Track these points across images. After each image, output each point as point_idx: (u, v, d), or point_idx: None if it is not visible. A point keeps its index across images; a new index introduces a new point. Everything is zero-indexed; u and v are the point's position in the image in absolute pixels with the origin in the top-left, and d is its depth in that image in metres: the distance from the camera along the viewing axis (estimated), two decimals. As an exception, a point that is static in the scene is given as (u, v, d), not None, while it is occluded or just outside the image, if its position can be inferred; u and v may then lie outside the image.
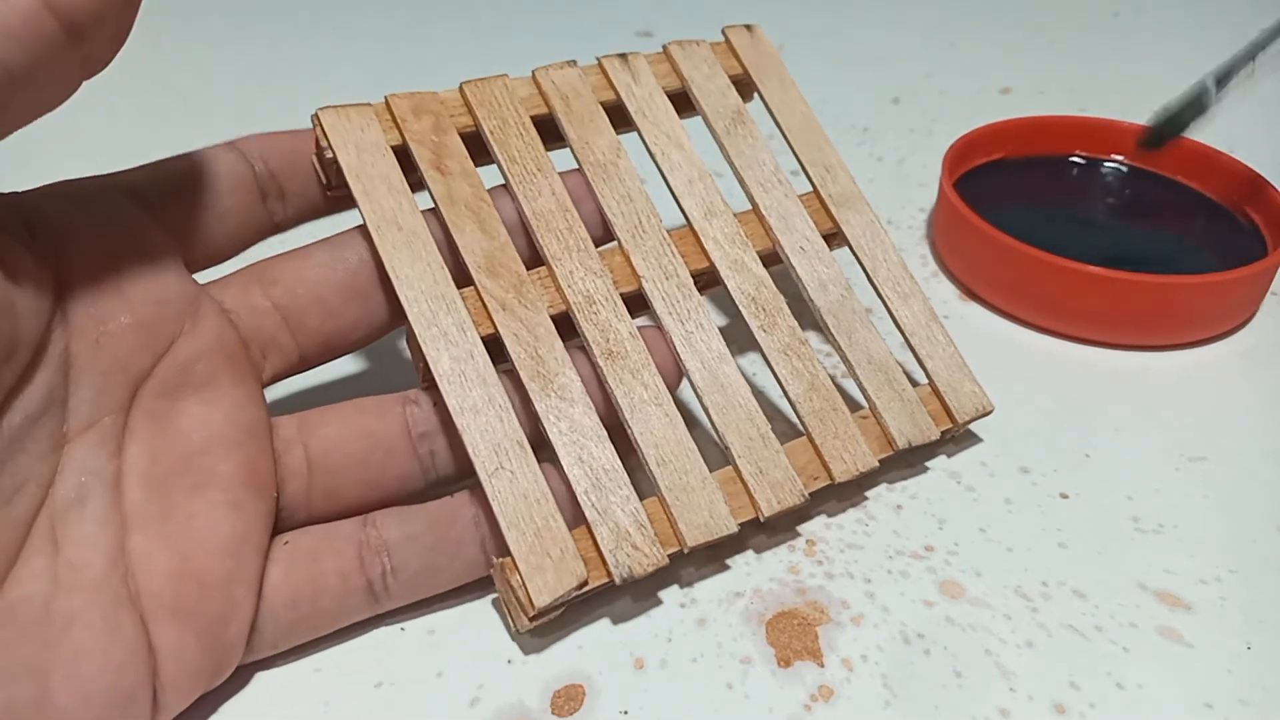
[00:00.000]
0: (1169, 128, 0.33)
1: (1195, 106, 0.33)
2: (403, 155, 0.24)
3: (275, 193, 0.24)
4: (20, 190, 0.21)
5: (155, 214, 0.22)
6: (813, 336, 0.26)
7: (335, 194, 0.25)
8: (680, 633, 0.23)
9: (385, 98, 0.25)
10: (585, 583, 0.21)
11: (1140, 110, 0.46)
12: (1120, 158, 0.38)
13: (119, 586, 0.19)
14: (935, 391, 0.27)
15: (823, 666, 0.22)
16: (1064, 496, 0.27)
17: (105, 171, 0.22)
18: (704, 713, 0.21)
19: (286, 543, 0.22)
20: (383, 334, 0.25)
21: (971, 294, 0.34)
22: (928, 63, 0.52)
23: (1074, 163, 0.39)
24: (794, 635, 0.23)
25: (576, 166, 0.26)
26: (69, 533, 0.19)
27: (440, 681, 0.22)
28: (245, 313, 0.23)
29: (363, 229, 0.24)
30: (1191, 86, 0.33)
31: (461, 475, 0.24)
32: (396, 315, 0.24)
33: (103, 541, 0.19)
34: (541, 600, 0.21)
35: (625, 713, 0.21)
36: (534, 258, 0.25)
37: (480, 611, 0.23)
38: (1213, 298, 0.31)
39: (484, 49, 0.52)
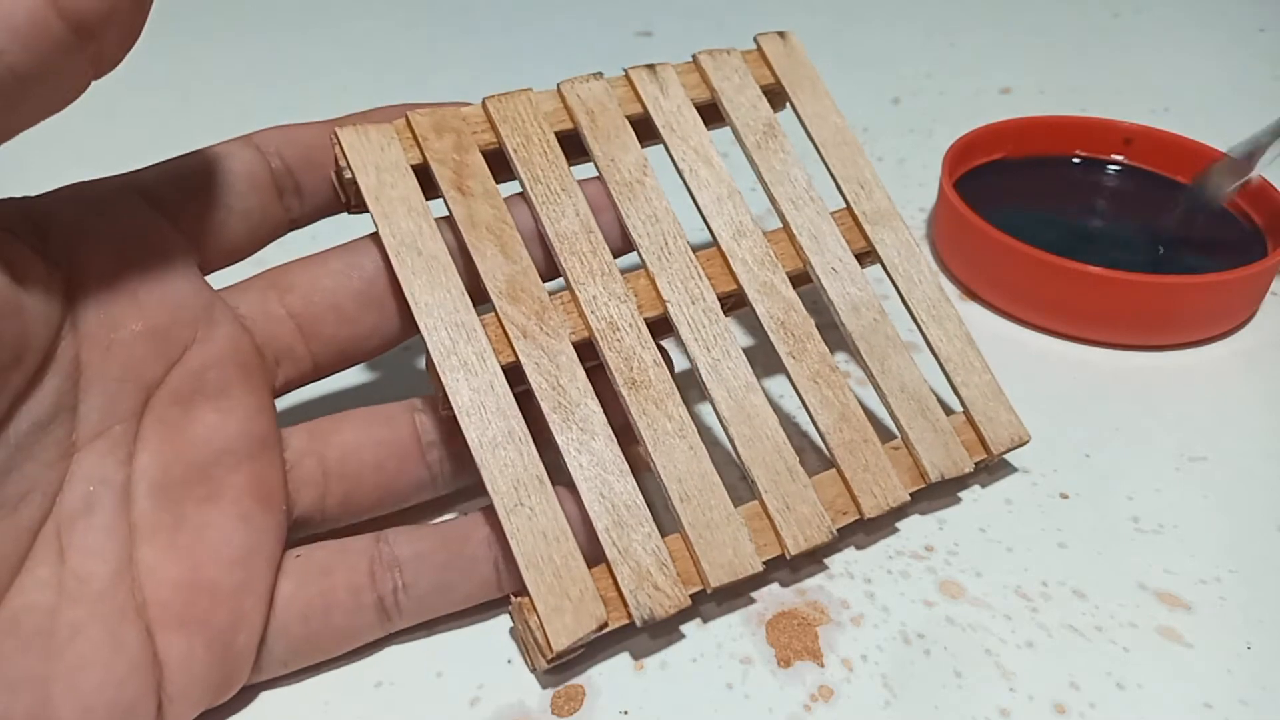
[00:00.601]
0: (1222, 190, 0.34)
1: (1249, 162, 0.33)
2: (423, 173, 0.24)
3: (292, 189, 0.24)
4: (32, 195, 0.21)
5: (171, 216, 0.22)
6: (843, 361, 0.26)
7: (355, 212, 0.24)
8: (680, 633, 0.23)
9: (405, 115, 0.24)
10: (605, 624, 0.21)
11: (1140, 110, 0.46)
12: (1120, 158, 0.38)
13: (124, 598, 0.19)
14: (970, 421, 0.26)
15: (823, 666, 0.22)
16: (1064, 496, 0.27)
17: (107, 173, 0.22)
18: (704, 713, 0.21)
19: (298, 556, 0.22)
20: (399, 342, 0.25)
21: (971, 294, 0.34)
22: (928, 63, 0.52)
23: (1074, 163, 0.39)
24: (794, 635, 0.23)
25: (597, 175, 0.26)
26: (75, 542, 0.19)
27: (440, 681, 0.22)
28: (260, 320, 0.23)
29: (379, 239, 0.24)
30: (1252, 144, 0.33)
31: (466, 482, 0.24)
32: (412, 324, 0.24)
33: (109, 551, 0.19)
34: (560, 643, 0.20)
35: (625, 713, 0.21)
36: (551, 267, 0.25)
37: (480, 612, 0.23)
38: (1213, 298, 0.31)
39: (483, 49, 0.52)
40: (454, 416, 0.22)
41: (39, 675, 0.18)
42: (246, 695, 0.21)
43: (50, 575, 0.19)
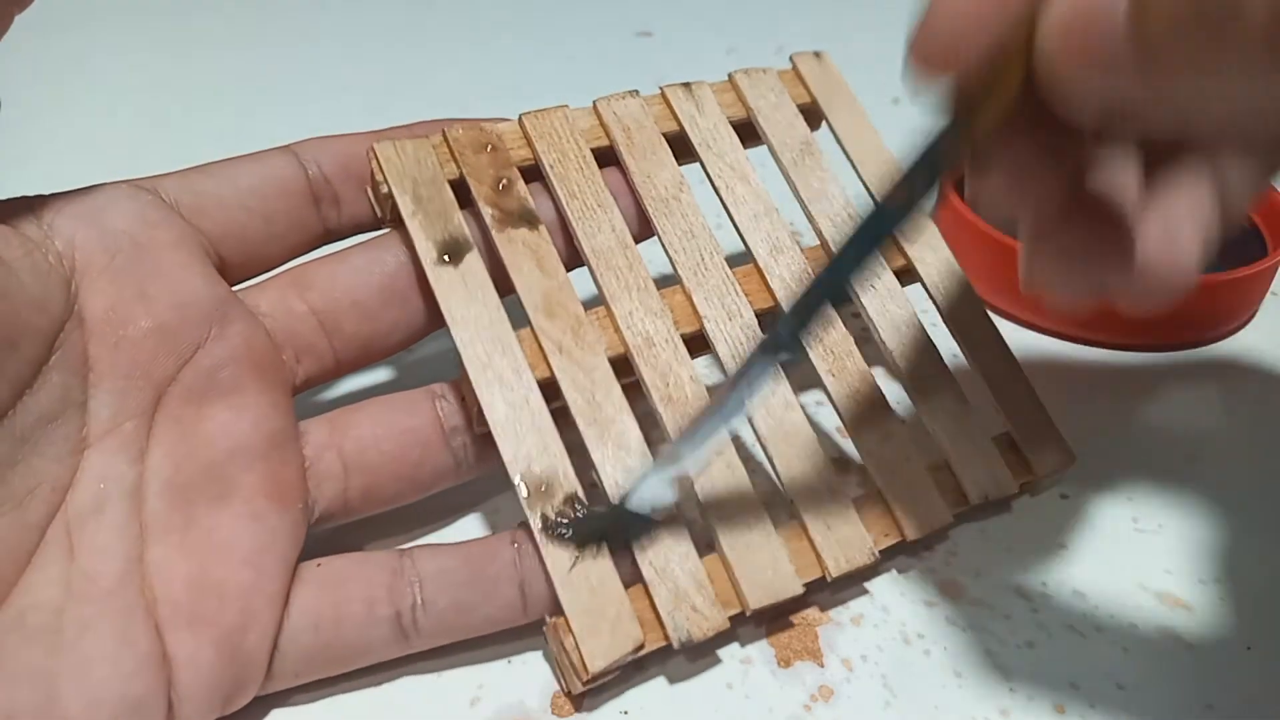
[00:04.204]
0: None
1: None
2: (459, 187, 0.24)
3: (330, 198, 0.24)
4: (44, 194, 0.21)
5: (189, 216, 0.22)
6: (883, 380, 0.25)
7: (389, 226, 0.24)
8: (680, 633, 0.23)
9: (442, 130, 0.24)
10: (642, 646, 0.21)
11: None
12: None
13: (133, 597, 0.19)
14: (1013, 442, 0.26)
15: (823, 667, 0.22)
16: (1064, 497, 0.27)
17: (108, 174, 0.22)
18: (704, 713, 0.21)
19: (319, 565, 0.21)
20: (421, 337, 0.24)
21: (971, 294, 0.34)
22: (928, 63, 0.51)
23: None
24: (794, 635, 0.23)
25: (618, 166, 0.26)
26: (85, 540, 0.19)
27: (440, 681, 0.22)
28: (281, 317, 0.23)
29: (402, 235, 0.24)
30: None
31: (490, 468, 0.24)
32: (434, 319, 0.24)
33: (119, 551, 0.19)
34: (596, 665, 0.20)
35: (625, 713, 0.21)
36: (572, 256, 0.25)
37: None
38: (1213, 298, 0.31)
39: (483, 49, 0.52)
40: (488, 433, 0.22)
41: (45, 669, 0.18)
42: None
43: (59, 573, 0.19)
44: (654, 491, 0.21)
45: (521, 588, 0.21)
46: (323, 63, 0.51)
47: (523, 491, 0.21)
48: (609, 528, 0.21)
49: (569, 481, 0.21)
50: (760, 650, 0.23)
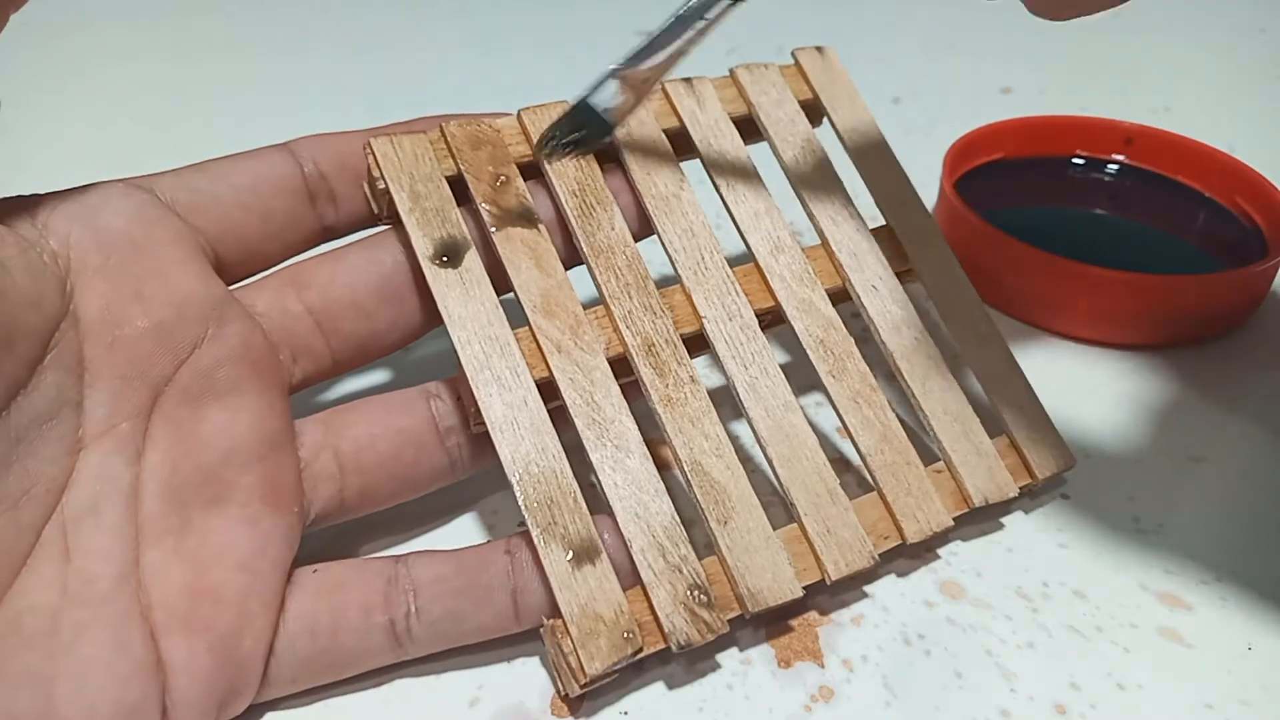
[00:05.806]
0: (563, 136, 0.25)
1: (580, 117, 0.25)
2: (456, 184, 0.24)
3: (325, 194, 0.24)
4: (40, 193, 0.21)
5: (185, 215, 0.22)
6: (883, 382, 0.25)
7: (386, 223, 0.24)
8: (680, 633, 0.23)
9: (440, 126, 0.24)
10: (640, 649, 0.20)
11: (1140, 109, 0.46)
12: (1121, 157, 0.38)
13: (129, 600, 0.19)
14: (1014, 444, 0.25)
15: (823, 667, 0.22)
16: (1064, 497, 0.27)
17: (107, 173, 0.22)
18: (704, 714, 0.21)
19: (316, 571, 0.21)
20: (418, 337, 0.24)
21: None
22: (928, 62, 0.52)
23: (1075, 162, 0.39)
24: (794, 635, 0.23)
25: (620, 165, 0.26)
26: (81, 543, 0.19)
27: (440, 681, 0.22)
28: (277, 316, 0.23)
29: (399, 232, 0.24)
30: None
31: (485, 467, 0.24)
32: (432, 318, 0.24)
33: (115, 553, 0.19)
34: (594, 668, 0.20)
35: (625, 714, 0.21)
36: (572, 256, 0.24)
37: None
38: (1213, 298, 0.31)
39: (483, 47, 0.52)
40: (483, 432, 0.22)
41: (42, 673, 0.18)
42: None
43: (55, 575, 0.18)
44: (609, 91, 0.23)
45: (514, 596, 0.21)
46: (322, 65, 0.51)
47: (520, 493, 0.21)
48: (577, 124, 0.24)
49: (567, 482, 0.21)
50: (760, 651, 0.23)
